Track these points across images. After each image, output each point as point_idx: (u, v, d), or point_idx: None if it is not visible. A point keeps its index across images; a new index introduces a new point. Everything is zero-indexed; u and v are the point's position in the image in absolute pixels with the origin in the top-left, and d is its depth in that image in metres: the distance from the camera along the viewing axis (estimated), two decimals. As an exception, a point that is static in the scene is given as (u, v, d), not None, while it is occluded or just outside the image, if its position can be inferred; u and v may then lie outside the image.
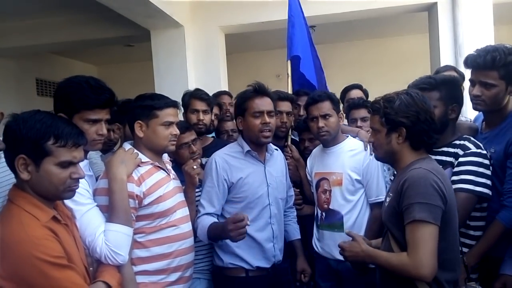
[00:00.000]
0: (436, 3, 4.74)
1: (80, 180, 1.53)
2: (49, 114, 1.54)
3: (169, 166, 2.16)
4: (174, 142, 2.06)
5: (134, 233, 1.85)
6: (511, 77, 1.94)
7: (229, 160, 2.30)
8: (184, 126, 2.45)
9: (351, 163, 2.43)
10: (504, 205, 1.94)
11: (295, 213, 2.61)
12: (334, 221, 2.42)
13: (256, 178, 2.31)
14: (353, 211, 2.40)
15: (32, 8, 4.95)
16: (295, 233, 2.54)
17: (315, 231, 2.55)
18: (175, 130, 2.03)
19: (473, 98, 2.03)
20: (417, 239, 1.55)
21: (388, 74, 6.71)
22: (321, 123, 2.44)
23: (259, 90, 2.31)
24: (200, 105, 2.81)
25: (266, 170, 2.36)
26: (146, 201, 1.91)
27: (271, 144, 2.44)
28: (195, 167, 2.19)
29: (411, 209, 1.57)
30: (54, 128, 1.44)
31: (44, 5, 4.88)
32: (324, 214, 2.47)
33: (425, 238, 1.54)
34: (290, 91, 3.21)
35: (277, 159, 2.47)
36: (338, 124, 2.50)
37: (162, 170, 2.04)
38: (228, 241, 2.11)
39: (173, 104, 2.04)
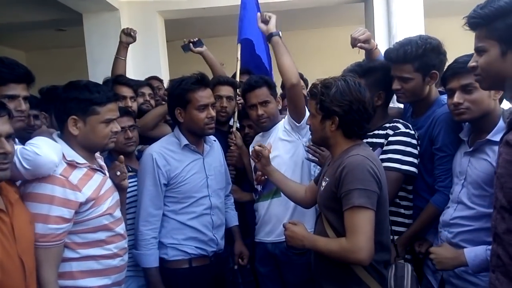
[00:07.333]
0: (372, -6, 4.91)
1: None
2: None
3: (101, 162, 1.95)
4: (115, 139, 1.88)
5: (69, 233, 1.70)
6: (426, 69, 1.99)
7: (167, 155, 2.22)
8: (123, 111, 2.31)
9: (279, 129, 2.45)
10: (437, 189, 2.03)
11: (232, 200, 2.60)
12: (271, 187, 2.38)
13: (195, 171, 2.27)
14: (287, 167, 2.35)
15: None
16: (233, 220, 2.55)
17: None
18: (116, 127, 1.83)
19: (395, 92, 2.11)
20: (356, 225, 1.59)
21: (327, 63, 6.80)
22: (260, 110, 2.43)
23: (203, 82, 2.23)
24: (127, 91, 2.71)
25: (205, 162, 2.32)
26: (85, 207, 1.72)
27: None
28: (118, 173, 1.96)
29: (350, 195, 1.60)
30: None
31: (-38, -16, 4.46)
32: (262, 186, 2.46)
33: (363, 223, 1.59)
34: (238, 76, 3.11)
35: (214, 150, 2.44)
36: (276, 109, 2.51)
37: (98, 172, 1.84)
38: (166, 237, 2.24)
39: (116, 98, 1.86)
